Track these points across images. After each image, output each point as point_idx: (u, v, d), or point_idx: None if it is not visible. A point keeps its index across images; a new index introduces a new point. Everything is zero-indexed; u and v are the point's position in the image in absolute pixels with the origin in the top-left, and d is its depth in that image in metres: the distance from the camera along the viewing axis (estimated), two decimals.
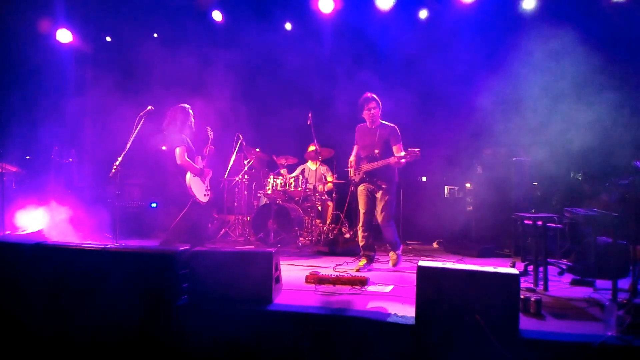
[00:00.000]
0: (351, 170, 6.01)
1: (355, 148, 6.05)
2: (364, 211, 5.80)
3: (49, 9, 8.37)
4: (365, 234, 5.76)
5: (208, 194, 6.08)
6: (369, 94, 5.76)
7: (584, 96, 6.59)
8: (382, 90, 8.36)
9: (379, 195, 5.72)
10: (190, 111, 6.01)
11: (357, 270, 5.42)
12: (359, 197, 5.88)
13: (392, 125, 5.77)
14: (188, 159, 5.77)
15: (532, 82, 6.98)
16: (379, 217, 5.71)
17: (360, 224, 5.80)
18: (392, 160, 5.47)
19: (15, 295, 3.93)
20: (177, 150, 5.73)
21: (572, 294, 4.33)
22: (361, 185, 5.84)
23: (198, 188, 5.88)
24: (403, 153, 5.49)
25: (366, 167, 5.73)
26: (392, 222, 5.74)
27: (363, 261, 5.65)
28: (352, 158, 5.99)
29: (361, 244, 5.78)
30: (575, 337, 3.09)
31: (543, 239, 4.58)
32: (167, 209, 5.85)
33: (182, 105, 5.98)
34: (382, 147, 5.66)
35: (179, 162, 5.72)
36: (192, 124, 6.02)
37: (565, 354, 2.97)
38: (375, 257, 5.94)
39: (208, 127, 6.24)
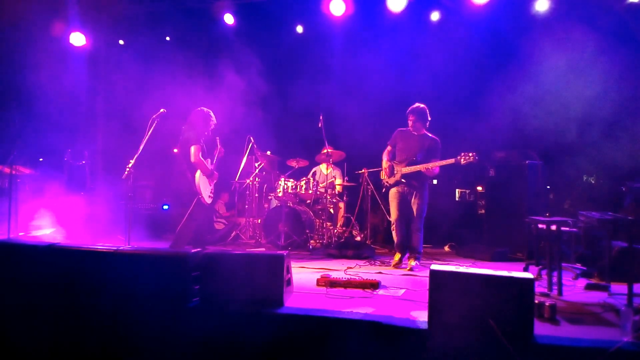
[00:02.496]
0: (383, 174, 6.18)
1: (387, 149, 6.21)
2: (396, 213, 5.99)
3: (62, 13, 8.45)
4: (398, 233, 5.99)
5: (212, 197, 6.13)
6: (415, 106, 5.96)
7: (597, 97, 6.52)
8: (391, 91, 8.37)
9: (413, 197, 5.91)
10: (212, 115, 6.09)
11: (394, 266, 5.84)
12: (392, 199, 6.06)
13: (436, 138, 6.01)
14: (201, 158, 5.83)
15: (545, 84, 6.92)
16: (414, 218, 5.89)
17: (393, 226, 6.03)
18: (425, 166, 5.75)
19: (27, 296, 3.96)
20: (193, 148, 5.78)
21: (586, 299, 4.27)
22: (395, 187, 6.02)
23: (205, 188, 5.93)
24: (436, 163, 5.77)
25: (407, 169, 5.89)
26: (422, 227, 5.92)
27: (398, 256, 5.99)
28: (386, 164, 6.13)
29: (396, 241, 6.04)
30: (590, 343, 3.04)
31: (557, 243, 4.53)
32: (177, 210, 5.90)
33: (204, 108, 6.05)
34: (424, 154, 5.91)
35: (193, 160, 5.78)
36: (212, 128, 6.11)
37: (580, 359, 2.93)
38: (383, 259, 6.36)
39: (217, 138, 6.31)
